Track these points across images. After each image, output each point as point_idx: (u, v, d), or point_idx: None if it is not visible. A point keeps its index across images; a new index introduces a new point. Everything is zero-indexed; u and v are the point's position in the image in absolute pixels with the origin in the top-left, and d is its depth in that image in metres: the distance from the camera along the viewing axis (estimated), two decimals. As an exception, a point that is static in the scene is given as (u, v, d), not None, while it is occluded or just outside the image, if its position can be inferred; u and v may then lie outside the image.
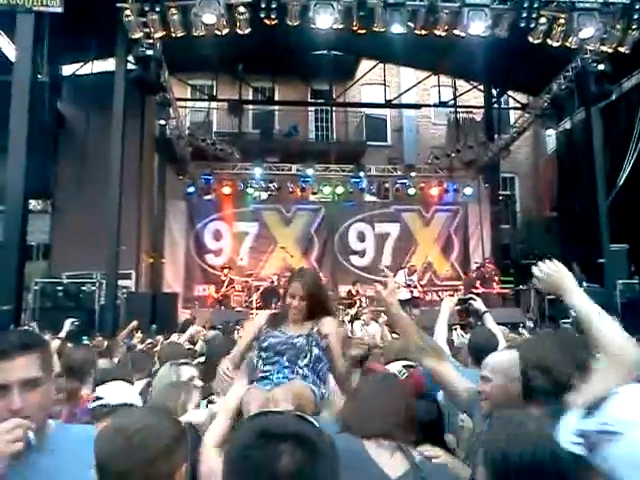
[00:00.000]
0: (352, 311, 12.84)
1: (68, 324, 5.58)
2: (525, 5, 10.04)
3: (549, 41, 10.69)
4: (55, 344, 5.04)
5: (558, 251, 17.43)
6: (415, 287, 13.74)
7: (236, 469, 1.08)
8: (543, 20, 10.41)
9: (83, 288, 11.44)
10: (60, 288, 11.33)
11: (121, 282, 12.19)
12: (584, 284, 12.62)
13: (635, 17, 10.28)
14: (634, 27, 10.46)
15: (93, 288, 11.48)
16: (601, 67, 11.43)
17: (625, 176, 12.72)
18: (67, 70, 15.85)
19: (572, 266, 13.82)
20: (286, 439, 1.06)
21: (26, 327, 5.26)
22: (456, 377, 2.42)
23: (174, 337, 7.14)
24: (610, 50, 11.01)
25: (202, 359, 4.56)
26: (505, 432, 1.41)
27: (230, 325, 9.66)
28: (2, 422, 1.46)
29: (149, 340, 6.51)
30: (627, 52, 10.92)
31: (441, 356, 2.46)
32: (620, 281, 12.09)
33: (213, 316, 12.34)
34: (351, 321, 11.84)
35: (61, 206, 14.89)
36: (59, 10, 9.68)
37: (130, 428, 1.34)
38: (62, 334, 5.44)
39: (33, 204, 14.23)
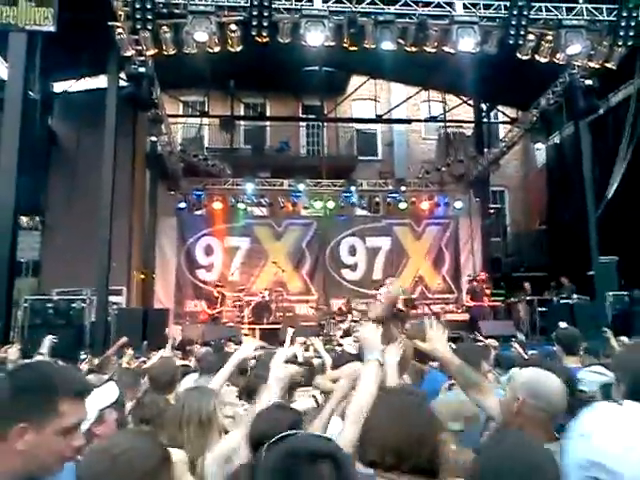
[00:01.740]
0: (344, 326, 12.80)
1: (48, 341, 5.56)
2: (513, 22, 10.16)
3: (537, 57, 10.82)
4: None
5: (548, 264, 17.60)
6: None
7: None
8: (531, 37, 10.53)
9: (73, 305, 11.29)
10: (50, 305, 11.16)
11: (112, 298, 12.13)
12: (574, 296, 12.75)
13: (621, 34, 10.42)
14: (620, 43, 10.60)
15: (83, 305, 11.34)
16: (589, 82, 11.58)
17: (614, 189, 12.84)
18: (59, 87, 15.88)
19: (561, 279, 13.96)
20: (323, 458, 1.13)
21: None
22: (496, 410, 2.42)
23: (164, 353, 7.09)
24: (597, 66, 11.16)
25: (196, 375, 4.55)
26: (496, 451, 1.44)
27: (222, 341, 9.60)
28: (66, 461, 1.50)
29: (142, 358, 6.45)
30: (614, 68, 11.08)
31: (484, 392, 2.51)
32: (610, 293, 12.14)
33: (205, 332, 12.28)
34: (343, 337, 11.80)
35: (51, 223, 14.82)
36: (52, 29, 9.73)
37: (116, 449, 1.35)
38: (43, 350, 5.43)
39: (24, 220, 14.17)
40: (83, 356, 7.45)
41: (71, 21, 9.91)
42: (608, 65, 11.05)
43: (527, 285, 14.71)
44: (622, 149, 12.60)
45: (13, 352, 5.23)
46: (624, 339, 5.51)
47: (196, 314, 15.49)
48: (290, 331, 2.89)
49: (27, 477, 1.48)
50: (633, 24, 10.39)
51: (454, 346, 5.40)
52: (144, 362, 6.45)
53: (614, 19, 10.52)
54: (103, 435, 2.44)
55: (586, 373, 3.37)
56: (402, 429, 1.71)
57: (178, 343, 8.69)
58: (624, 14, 10.37)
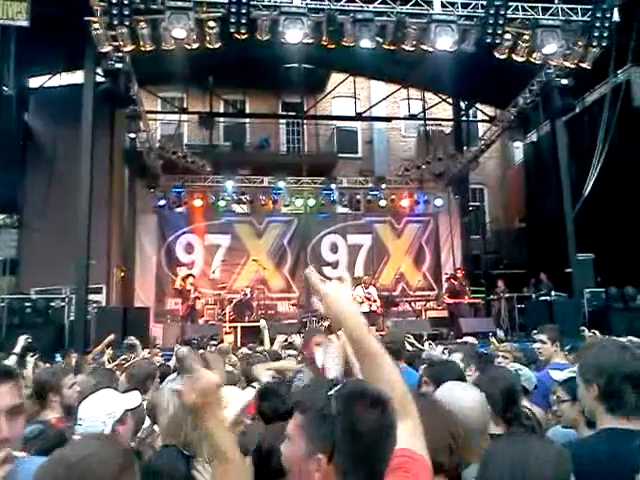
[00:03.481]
0: (326, 323, 12.81)
1: (22, 340, 5.51)
2: (490, 21, 10.25)
3: (514, 56, 10.96)
4: (12, 360, 4.97)
5: (527, 261, 17.83)
6: (374, 301, 13.63)
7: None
8: (508, 36, 10.65)
9: (52, 304, 11.18)
10: (28, 304, 11.04)
11: (91, 297, 11.98)
12: (553, 293, 12.94)
13: (595, 34, 10.58)
14: (594, 44, 10.77)
15: (62, 304, 11.25)
16: (565, 82, 11.75)
17: (590, 187, 13.04)
18: (34, 82, 15.64)
19: (540, 276, 14.15)
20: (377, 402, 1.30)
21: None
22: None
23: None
24: (573, 65, 11.33)
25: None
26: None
27: (205, 340, 9.57)
28: None
29: (123, 357, 6.38)
30: (588, 67, 11.25)
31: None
32: (587, 290, 12.33)
33: (187, 330, 12.23)
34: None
35: (29, 220, 14.60)
36: (25, 24, 9.61)
37: (72, 456, 1.29)
38: (17, 349, 5.37)
39: (0, 218, 13.96)
40: (58, 358, 7.34)
41: (47, 15, 9.79)
42: (583, 65, 11.23)
43: (500, 283, 14.87)
44: (597, 147, 12.81)
45: (-11, 352, 5.17)
46: (596, 332, 5.60)
47: (176, 312, 15.36)
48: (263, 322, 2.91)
49: None
50: (607, 25, 10.55)
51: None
52: (125, 360, 6.40)
53: (589, 19, 10.67)
54: (121, 434, 2.45)
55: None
56: (450, 427, 1.83)
57: (180, 341, 8.65)
58: (598, 15, 10.51)
